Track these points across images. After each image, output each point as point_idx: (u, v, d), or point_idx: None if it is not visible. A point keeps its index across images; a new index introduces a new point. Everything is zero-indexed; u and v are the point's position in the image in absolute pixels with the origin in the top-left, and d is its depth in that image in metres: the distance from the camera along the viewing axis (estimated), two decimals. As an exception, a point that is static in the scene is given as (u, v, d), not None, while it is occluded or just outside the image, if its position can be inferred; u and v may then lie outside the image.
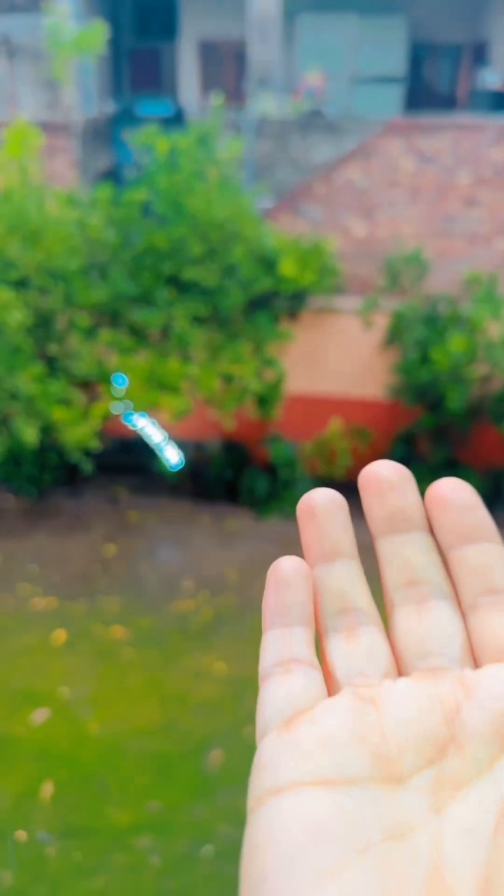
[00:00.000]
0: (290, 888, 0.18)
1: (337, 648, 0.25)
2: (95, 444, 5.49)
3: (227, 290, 5.65)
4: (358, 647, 0.24)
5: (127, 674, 4.49)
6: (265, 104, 6.89)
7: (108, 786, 3.71)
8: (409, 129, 6.74)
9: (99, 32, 5.94)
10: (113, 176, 7.21)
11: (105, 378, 5.59)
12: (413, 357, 5.94)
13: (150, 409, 5.72)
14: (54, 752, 3.91)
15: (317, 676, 0.24)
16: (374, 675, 0.24)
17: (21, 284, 5.47)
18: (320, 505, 0.27)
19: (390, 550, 0.26)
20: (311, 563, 0.27)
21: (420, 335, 5.92)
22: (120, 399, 5.59)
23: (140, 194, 5.50)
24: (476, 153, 6.68)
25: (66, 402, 5.49)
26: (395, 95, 8.92)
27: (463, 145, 6.68)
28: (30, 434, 5.26)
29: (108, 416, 5.67)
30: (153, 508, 6.40)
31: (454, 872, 0.18)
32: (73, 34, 5.91)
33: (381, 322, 6.23)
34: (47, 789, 3.65)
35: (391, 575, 0.26)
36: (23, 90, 6.68)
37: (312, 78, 7.60)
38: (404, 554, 0.26)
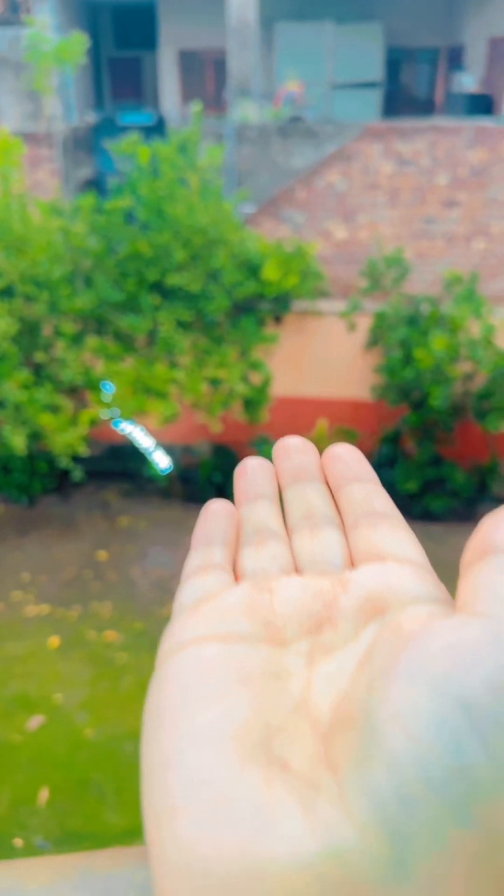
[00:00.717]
0: (181, 710, 0.22)
1: (247, 555, 0.30)
2: (84, 450, 5.51)
3: (212, 294, 5.69)
4: (264, 553, 0.29)
5: (121, 678, 4.51)
6: (245, 111, 6.95)
7: (104, 790, 3.73)
8: (388, 133, 6.82)
9: (79, 43, 5.97)
10: (95, 184, 7.23)
11: (92, 385, 5.61)
12: (396, 357, 6.01)
13: (137, 414, 5.74)
14: (50, 757, 3.92)
15: (228, 577, 0.29)
16: (274, 573, 0.28)
17: (6, 293, 5.48)
18: (251, 466, 0.33)
19: (293, 495, 0.32)
20: (239, 505, 0.32)
21: (403, 335, 5.99)
22: (108, 405, 5.61)
23: (123, 202, 5.53)
24: (453, 155, 6.77)
25: (53, 409, 5.51)
26: (373, 100, 9.02)
27: (440, 148, 6.77)
28: (18, 441, 5.28)
29: (96, 422, 5.69)
30: (144, 513, 6.43)
31: (318, 697, 0.23)
32: (54, 45, 5.94)
33: (364, 323, 6.30)
34: (44, 795, 3.67)
35: (292, 512, 0.31)
36: (4, 101, 6.70)
37: (292, 85, 7.68)
38: (303, 496, 0.31)
